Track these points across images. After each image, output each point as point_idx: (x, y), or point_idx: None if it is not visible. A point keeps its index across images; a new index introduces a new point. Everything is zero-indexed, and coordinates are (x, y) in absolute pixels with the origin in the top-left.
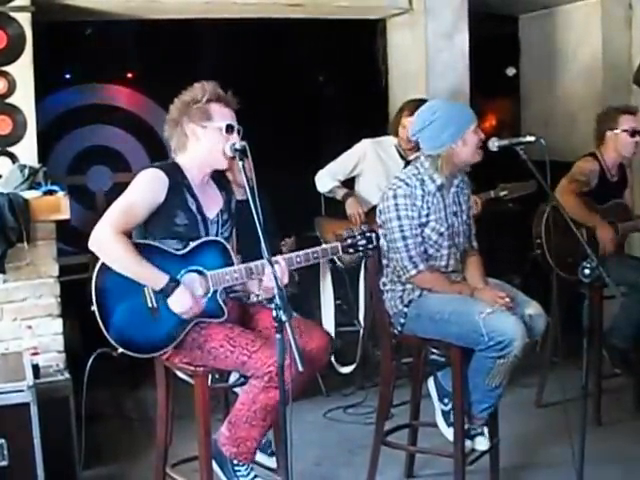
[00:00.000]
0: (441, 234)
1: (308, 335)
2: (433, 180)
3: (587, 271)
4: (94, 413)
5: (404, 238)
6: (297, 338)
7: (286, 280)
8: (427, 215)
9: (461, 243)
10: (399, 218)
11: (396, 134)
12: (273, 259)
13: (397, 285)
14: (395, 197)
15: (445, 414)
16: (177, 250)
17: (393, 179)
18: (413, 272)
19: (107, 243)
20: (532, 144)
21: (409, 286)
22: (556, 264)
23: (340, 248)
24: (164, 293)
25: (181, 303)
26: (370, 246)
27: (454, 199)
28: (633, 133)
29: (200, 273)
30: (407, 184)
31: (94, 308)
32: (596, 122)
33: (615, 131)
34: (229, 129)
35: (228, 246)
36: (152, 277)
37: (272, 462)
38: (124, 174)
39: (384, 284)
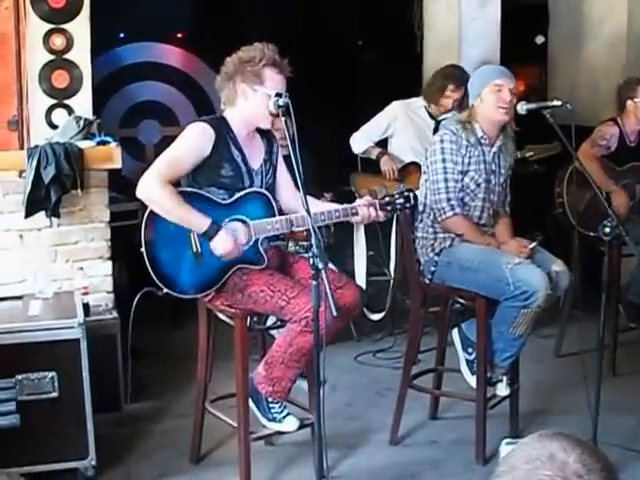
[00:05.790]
0: (478, 185)
1: (342, 289)
2: (474, 133)
3: (607, 229)
4: (139, 350)
5: (446, 180)
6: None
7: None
8: (468, 164)
9: (495, 202)
10: (444, 160)
11: (436, 102)
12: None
13: (430, 233)
14: (442, 141)
15: (469, 363)
16: (223, 199)
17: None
18: (450, 213)
19: (153, 191)
20: (558, 108)
21: (441, 235)
22: (577, 222)
23: (378, 205)
24: (207, 236)
25: (222, 246)
26: (407, 205)
27: (494, 158)
28: None
29: (243, 222)
30: (453, 132)
31: (142, 250)
32: (617, 92)
33: (635, 100)
34: (277, 97)
35: (271, 198)
36: (196, 221)
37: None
38: (173, 128)
39: (416, 229)
